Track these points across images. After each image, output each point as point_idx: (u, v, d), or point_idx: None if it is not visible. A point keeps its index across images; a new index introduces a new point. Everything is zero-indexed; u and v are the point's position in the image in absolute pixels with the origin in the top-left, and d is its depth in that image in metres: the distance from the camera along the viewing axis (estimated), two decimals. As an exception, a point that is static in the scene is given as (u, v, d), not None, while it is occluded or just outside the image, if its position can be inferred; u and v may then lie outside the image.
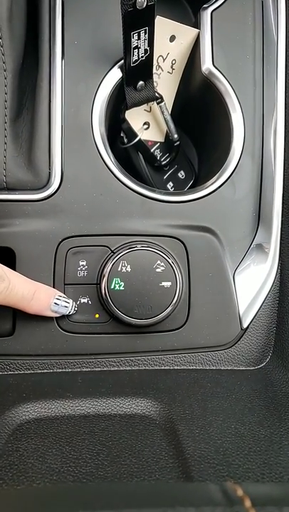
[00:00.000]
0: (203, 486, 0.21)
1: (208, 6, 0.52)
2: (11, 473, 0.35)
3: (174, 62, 0.55)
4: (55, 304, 0.46)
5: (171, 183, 0.63)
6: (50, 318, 0.48)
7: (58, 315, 0.47)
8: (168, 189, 0.63)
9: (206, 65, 0.52)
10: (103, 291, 0.48)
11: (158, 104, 0.55)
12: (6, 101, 0.48)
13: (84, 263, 0.49)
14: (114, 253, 0.49)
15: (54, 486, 0.31)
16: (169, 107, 0.59)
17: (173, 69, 0.56)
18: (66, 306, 0.47)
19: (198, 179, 0.64)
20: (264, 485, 0.30)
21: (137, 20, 0.44)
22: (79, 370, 0.50)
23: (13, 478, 0.34)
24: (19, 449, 0.37)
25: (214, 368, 0.52)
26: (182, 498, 0.20)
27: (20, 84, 0.49)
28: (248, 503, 0.20)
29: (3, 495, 0.21)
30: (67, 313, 0.48)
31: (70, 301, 0.48)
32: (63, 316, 0.49)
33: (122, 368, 0.51)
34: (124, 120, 0.56)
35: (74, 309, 0.48)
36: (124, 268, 0.48)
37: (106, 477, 0.34)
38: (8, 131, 0.48)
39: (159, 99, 0.54)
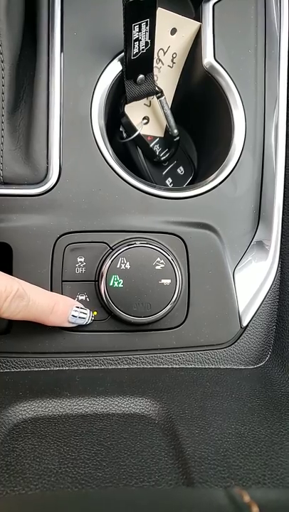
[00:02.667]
0: (209, 492, 0.20)
1: (210, -1, 0.51)
2: (7, 474, 0.34)
3: (174, 55, 0.54)
4: (73, 316, 0.46)
5: (170, 179, 0.62)
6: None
7: (75, 325, 0.47)
8: (167, 185, 0.62)
9: (208, 58, 0.51)
10: (102, 289, 0.47)
11: (158, 98, 0.54)
12: (3, 93, 0.46)
13: (82, 259, 0.48)
14: (113, 250, 0.48)
15: (54, 493, 0.30)
16: (169, 102, 0.58)
17: (173, 63, 0.55)
18: (83, 318, 0.47)
19: (198, 175, 0.63)
20: (271, 490, 0.29)
21: (139, 12, 0.43)
22: (76, 368, 0.50)
23: (10, 480, 0.33)
24: (16, 449, 0.36)
25: (213, 366, 0.51)
26: (188, 505, 0.19)
27: (17, 76, 0.48)
28: (255, 509, 0.19)
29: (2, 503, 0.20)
30: (84, 323, 0.47)
31: (87, 311, 0.47)
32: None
33: (120, 367, 0.50)
34: (124, 114, 0.55)
35: (90, 319, 0.48)
36: (123, 265, 0.47)
37: (105, 478, 0.34)
38: (5, 124, 0.47)
39: (159, 93, 0.54)
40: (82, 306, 0.47)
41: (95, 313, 0.49)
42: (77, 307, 0.47)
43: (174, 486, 0.33)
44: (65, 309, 0.45)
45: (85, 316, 0.47)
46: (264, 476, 0.34)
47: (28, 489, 0.32)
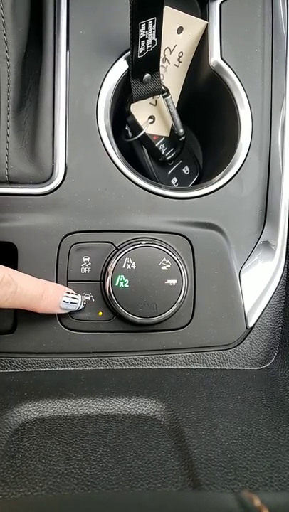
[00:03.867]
0: (218, 496, 0.20)
1: (217, -2, 0.51)
2: (12, 475, 0.34)
3: (180, 54, 0.54)
4: (64, 301, 0.45)
5: (175, 179, 0.62)
6: (52, 316, 0.47)
7: (67, 311, 0.47)
8: (172, 185, 0.62)
9: (214, 58, 0.51)
10: (107, 289, 0.47)
11: (164, 97, 0.54)
12: (8, 91, 0.46)
13: (87, 259, 0.48)
14: (119, 250, 0.47)
15: (60, 496, 0.30)
16: (175, 101, 0.58)
17: (180, 62, 0.55)
18: (75, 303, 0.46)
19: (203, 175, 0.63)
20: (281, 494, 0.29)
21: (145, 10, 0.43)
22: (81, 368, 0.49)
23: (15, 481, 0.33)
24: (21, 450, 0.36)
25: (219, 367, 0.51)
26: (197, 509, 0.19)
27: (23, 75, 0.48)
28: (266, 514, 0.19)
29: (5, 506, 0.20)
30: (76, 309, 0.47)
31: (79, 296, 0.47)
32: (66, 314, 0.48)
33: (125, 367, 0.50)
34: (130, 113, 0.54)
35: (83, 304, 0.48)
36: (128, 265, 0.47)
37: (111, 480, 0.33)
38: (10, 122, 0.47)
39: (165, 92, 0.53)
40: (73, 292, 0.47)
41: (100, 313, 0.48)
42: (68, 292, 0.46)
43: (180, 488, 0.33)
44: (55, 295, 0.45)
45: (77, 301, 0.46)
46: (271, 479, 0.34)
47: (34, 490, 0.32)
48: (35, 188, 0.48)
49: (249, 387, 0.46)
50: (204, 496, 0.22)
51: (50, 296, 0.44)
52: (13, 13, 0.44)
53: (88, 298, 0.48)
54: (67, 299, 0.46)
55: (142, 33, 0.44)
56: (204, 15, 0.52)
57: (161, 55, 0.51)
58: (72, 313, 0.48)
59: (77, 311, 0.48)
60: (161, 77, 0.52)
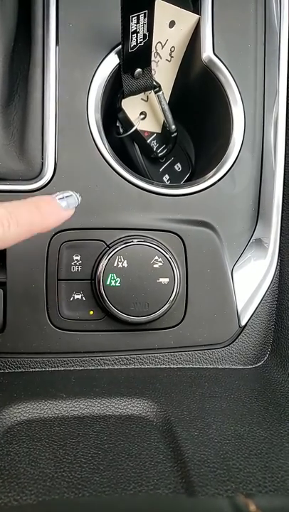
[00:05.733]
0: (213, 502, 0.19)
1: (210, -8, 0.50)
2: (1, 479, 0.33)
3: (172, 49, 0.53)
4: (60, 199, 0.39)
5: (167, 176, 0.61)
6: (42, 315, 0.47)
7: (73, 211, 0.40)
8: (164, 182, 0.61)
9: (207, 52, 0.50)
10: (98, 287, 0.46)
11: (155, 93, 0.53)
12: (-4, 86, 0.45)
13: (78, 258, 0.47)
14: (110, 248, 0.47)
15: (51, 501, 0.29)
16: (167, 97, 0.57)
17: (172, 56, 0.54)
18: (70, 195, 0.40)
19: (195, 172, 0.62)
20: (276, 498, 0.29)
21: (137, 3, 0.42)
22: (72, 368, 0.49)
23: (4, 485, 0.32)
24: (10, 453, 0.35)
25: (211, 366, 0.50)
26: (191, 515, 0.18)
27: (11, 69, 0.47)
28: (262, 520, 0.18)
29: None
30: (77, 201, 0.40)
31: (68, 191, 0.40)
32: (56, 313, 0.47)
33: (116, 367, 0.49)
34: (121, 109, 0.53)
35: (78, 198, 0.40)
36: (120, 263, 0.46)
37: (102, 482, 0.33)
38: (-2, 118, 0.46)
39: (157, 87, 0.52)
40: (60, 192, 0.40)
41: (91, 312, 0.48)
42: (57, 193, 0.40)
43: (173, 489, 0.32)
44: (47, 199, 0.39)
45: (70, 194, 0.40)
46: (264, 479, 0.33)
47: (23, 494, 0.31)
48: (25, 184, 0.47)
49: (242, 386, 0.46)
50: (199, 502, 0.21)
51: (45, 200, 0.38)
52: (0, 6, 0.43)
53: (79, 297, 0.48)
54: (61, 195, 0.39)
55: (133, 27, 0.43)
56: (196, 9, 0.52)
57: (153, 49, 0.50)
58: (62, 312, 0.47)
59: (67, 309, 0.47)
60: (153, 72, 0.51)
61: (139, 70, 0.49)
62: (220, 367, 0.51)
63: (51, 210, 0.38)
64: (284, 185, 0.51)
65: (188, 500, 0.27)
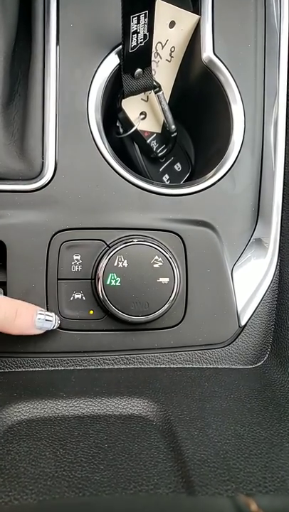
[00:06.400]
0: (215, 502, 0.19)
1: (210, -8, 0.50)
2: (1, 478, 0.33)
3: (173, 49, 0.53)
4: (39, 319, 0.44)
5: (167, 176, 0.61)
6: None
7: (42, 331, 0.44)
8: (164, 181, 0.61)
9: (207, 53, 0.50)
10: (98, 287, 0.46)
11: (156, 93, 0.53)
12: (-4, 86, 0.45)
13: (78, 257, 0.47)
14: (110, 247, 0.47)
15: (51, 502, 0.29)
16: (167, 97, 0.57)
17: (172, 57, 0.54)
18: (50, 320, 0.44)
19: (195, 172, 0.63)
20: (277, 498, 0.29)
21: (137, 3, 0.42)
22: (72, 368, 0.49)
23: (5, 484, 0.32)
24: (10, 452, 0.35)
25: (211, 366, 0.50)
26: (192, 514, 0.18)
27: (11, 69, 0.47)
28: (263, 519, 0.18)
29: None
30: (51, 327, 0.45)
31: (53, 314, 0.45)
32: (56, 313, 0.47)
33: (116, 366, 0.49)
34: (121, 109, 0.53)
35: (57, 323, 0.46)
36: (120, 263, 0.46)
37: (102, 482, 0.33)
38: (-1, 117, 0.46)
39: (157, 88, 0.52)
40: (45, 310, 0.45)
41: (92, 312, 0.48)
42: (41, 310, 0.44)
43: (173, 489, 0.32)
44: (29, 313, 0.43)
45: (52, 318, 0.45)
46: (265, 479, 0.33)
47: (24, 494, 0.31)
48: (25, 184, 0.47)
49: (242, 386, 0.46)
50: (200, 502, 0.21)
51: (23, 314, 0.42)
52: (2, 5, 0.43)
53: (79, 297, 0.48)
54: (41, 316, 0.44)
55: (133, 27, 0.43)
56: (196, 9, 0.52)
57: (153, 49, 0.50)
58: (62, 311, 0.47)
59: (68, 309, 0.47)
60: (153, 72, 0.51)
61: (139, 70, 0.49)
62: (220, 367, 0.51)
63: (25, 326, 0.43)
64: (284, 185, 0.51)
65: (190, 499, 0.27)
